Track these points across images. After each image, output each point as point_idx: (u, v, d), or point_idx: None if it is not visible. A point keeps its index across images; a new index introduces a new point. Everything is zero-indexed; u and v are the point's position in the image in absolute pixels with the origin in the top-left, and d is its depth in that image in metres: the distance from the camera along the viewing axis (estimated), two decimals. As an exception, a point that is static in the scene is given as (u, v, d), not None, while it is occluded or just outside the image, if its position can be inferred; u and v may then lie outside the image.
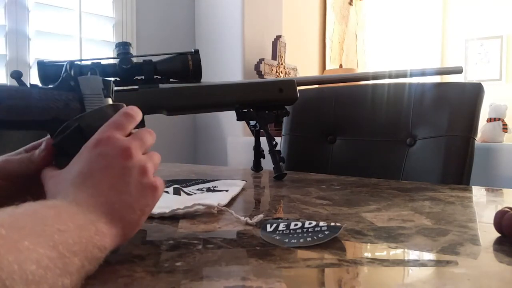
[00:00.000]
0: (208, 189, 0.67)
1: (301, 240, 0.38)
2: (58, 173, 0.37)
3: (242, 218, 0.47)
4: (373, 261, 0.34)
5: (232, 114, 0.90)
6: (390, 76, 1.01)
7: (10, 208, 0.28)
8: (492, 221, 0.42)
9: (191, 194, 0.62)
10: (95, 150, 0.35)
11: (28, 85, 0.42)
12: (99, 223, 0.31)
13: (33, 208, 0.29)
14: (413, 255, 0.37)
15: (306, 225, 0.42)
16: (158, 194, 0.37)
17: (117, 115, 0.39)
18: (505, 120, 2.14)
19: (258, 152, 0.99)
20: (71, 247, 0.27)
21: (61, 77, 0.41)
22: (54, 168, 0.38)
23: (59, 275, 0.25)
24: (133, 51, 0.84)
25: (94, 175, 0.34)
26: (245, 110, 0.88)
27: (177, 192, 0.61)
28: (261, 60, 2.10)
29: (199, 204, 0.50)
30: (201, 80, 0.85)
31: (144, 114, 0.67)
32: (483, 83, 1.01)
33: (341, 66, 3.07)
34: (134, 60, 0.80)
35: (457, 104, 0.99)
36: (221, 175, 0.94)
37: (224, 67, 2.15)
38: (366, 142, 1.10)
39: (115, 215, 0.33)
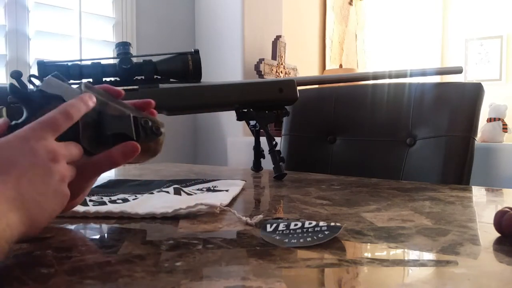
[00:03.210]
0: (208, 189, 0.67)
1: (301, 240, 0.38)
2: None
3: (244, 218, 0.47)
4: (373, 261, 0.34)
5: (232, 114, 0.90)
6: (390, 76, 1.01)
7: None
8: (492, 221, 0.42)
9: (191, 194, 0.62)
10: (27, 144, 0.35)
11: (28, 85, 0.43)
12: (10, 214, 0.31)
13: None
14: (413, 255, 0.37)
15: (306, 225, 0.42)
16: (64, 206, 0.38)
17: (56, 112, 0.38)
18: (505, 120, 2.14)
19: (258, 152, 0.99)
20: None
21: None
22: None
23: None
24: (133, 51, 0.84)
25: (19, 165, 0.34)
26: (245, 110, 0.88)
27: (177, 192, 0.61)
28: (261, 60, 2.10)
29: (201, 204, 0.50)
30: (201, 80, 0.85)
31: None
32: (483, 83, 1.01)
33: (341, 66, 3.07)
34: (134, 60, 0.80)
35: (457, 104, 0.99)
36: (221, 175, 0.94)
37: (224, 67, 2.15)
38: (366, 142, 1.10)
39: (26, 212, 0.33)
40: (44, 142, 0.36)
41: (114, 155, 0.42)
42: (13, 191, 0.33)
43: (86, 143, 0.41)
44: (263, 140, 0.93)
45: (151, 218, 0.49)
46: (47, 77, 0.42)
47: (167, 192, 0.61)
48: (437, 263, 0.35)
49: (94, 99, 0.42)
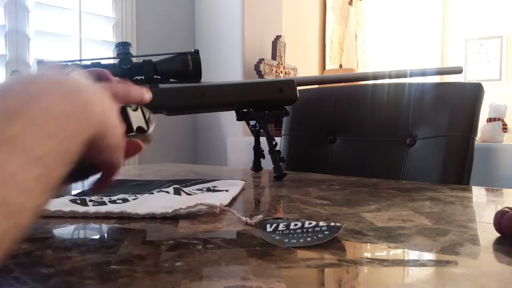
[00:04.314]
0: (208, 189, 0.67)
1: (301, 240, 0.38)
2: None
3: (244, 218, 0.47)
4: (373, 261, 0.34)
5: (232, 114, 0.90)
6: (390, 76, 1.01)
7: None
8: (492, 221, 0.42)
9: (191, 194, 0.62)
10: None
11: None
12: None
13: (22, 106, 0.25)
14: (413, 255, 0.37)
15: (306, 225, 0.42)
16: (119, 150, 0.37)
17: (119, 84, 0.40)
18: (505, 120, 2.14)
19: (258, 152, 0.99)
20: (59, 156, 0.25)
21: None
22: None
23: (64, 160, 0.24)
24: (133, 51, 0.84)
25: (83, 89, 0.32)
26: (245, 110, 0.88)
27: (177, 192, 0.61)
28: (261, 60, 2.10)
29: (201, 204, 0.50)
30: (201, 80, 0.85)
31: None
32: (483, 83, 1.01)
33: (341, 66, 3.07)
34: (134, 60, 0.80)
35: (457, 104, 0.99)
36: (221, 175, 0.94)
37: (224, 67, 2.15)
38: (366, 142, 1.10)
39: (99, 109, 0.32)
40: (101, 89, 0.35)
41: (135, 142, 0.43)
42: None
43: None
44: (263, 140, 0.93)
45: (151, 218, 0.49)
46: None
47: (167, 192, 0.61)
48: (437, 263, 0.35)
49: (151, 95, 0.44)
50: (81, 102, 0.29)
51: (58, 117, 0.26)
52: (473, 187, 0.79)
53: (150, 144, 0.48)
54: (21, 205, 0.21)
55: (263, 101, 0.88)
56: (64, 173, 0.26)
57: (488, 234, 0.42)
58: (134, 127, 0.44)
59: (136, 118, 0.45)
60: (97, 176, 0.41)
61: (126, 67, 0.79)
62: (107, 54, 1.92)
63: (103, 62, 0.80)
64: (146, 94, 0.43)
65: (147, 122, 0.46)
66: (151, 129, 0.47)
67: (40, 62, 0.77)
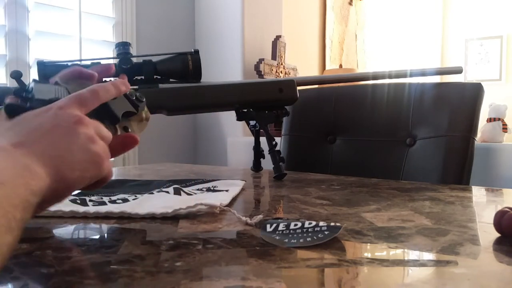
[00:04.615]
0: (208, 189, 0.67)
1: (301, 240, 0.38)
2: (7, 121, 0.37)
3: (244, 218, 0.47)
4: (373, 261, 0.34)
5: (232, 114, 0.90)
6: (390, 76, 1.01)
7: None
8: (492, 221, 0.42)
9: (191, 194, 0.62)
10: (49, 111, 0.36)
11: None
12: (34, 165, 0.31)
13: None
14: (413, 255, 0.37)
15: (306, 225, 0.42)
16: (104, 165, 0.38)
17: (85, 90, 0.40)
18: (505, 120, 2.14)
19: (258, 152, 0.99)
20: (12, 200, 0.27)
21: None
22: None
23: (4, 233, 0.25)
24: (133, 51, 0.84)
25: (40, 130, 0.35)
26: (245, 110, 0.88)
27: (177, 192, 0.61)
28: (261, 60, 2.10)
29: (201, 204, 0.50)
30: (201, 80, 0.85)
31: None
32: (483, 83, 1.01)
33: (341, 66, 3.07)
34: (134, 60, 0.80)
35: (457, 104, 0.99)
36: (221, 175, 0.94)
37: (224, 67, 2.15)
38: (366, 142, 1.10)
39: (52, 165, 0.33)
40: (68, 109, 0.37)
41: (130, 136, 0.45)
42: (35, 150, 0.33)
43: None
44: (263, 140, 0.93)
45: (151, 218, 0.49)
46: (33, 85, 0.42)
47: (167, 192, 0.61)
48: (437, 263, 0.35)
49: (128, 85, 0.45)
50: (19, 165, 0.30)
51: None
52: (473, 187, 0.79)
53: (150, 119, 0.49)
54: None
55: (263, 101, 0.88)
56: (23, 218, 0.27)
57: (488, 234, 0.42)
58: (119, 115, 0.45)
59: (118, 105, 0.45)
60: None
61: (126, 67, 0.79)
62: (107, 54, 1.92)
63: (103, 62, 0.80)
64: (119, 87, 0.44)
65: (133, 102, 0.47)
66: (142, 106, 0.48)
67: (40, 62, 0.77)
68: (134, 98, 0.48)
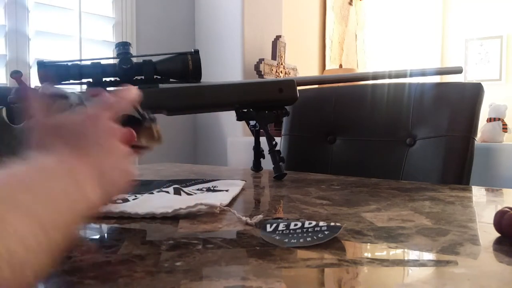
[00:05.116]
0: (208, 189, 0.67)
1: (301, 240, 0.38)
2: (48, 123, 0.37)
3: (244, 218, 0.47)
4: (373, 261, 0.34)
5: (232, 114, 0.90)
6: (390, 76, 1.01)
7: (3, 174, 0.27)
8: (492, 221, 0.42)
9: (191, 194, 0.62)
10: (89, 120, 0.37)
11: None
12: (86, 185, 0.31)
13: (25, 171, 0.28)
14: (413, 255, 0.37)
15: (306, 225, 0.42)
16: (129, 183, 0.39)
17: (112, 96, 0.42)
18: (505, 120, 2.14)
19: (258, 152, 0.99)
20: (56, 222, 0.27)
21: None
22: (45, 117, 0.38)
23: (42, 255, 0.25)
24: (133, 51, 0.84)
25: (88, 139, 0.35)
26: (245, 110, 0.88)
27: (177, 192, 0.61)
28: (261, 60, 2.10)
29: (201, 204, 0.50)
30: (201, 80, 0.85)
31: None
32: (483, 83, 1.01)
33: (341, 66, 3.07)
34: (134, 60, 0.80)
35: (457, 104, 0.99)
36: (221, 175, 0.94)
37: (224, 67, 2.15)
38: (366, 142, 1.10)
39: (103, 187, 0.33)
40: (112, 123, 0.38)
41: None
42: (95, 169, 0.33)
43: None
44: (263, 140, 0.93)
45: (151, 218, 0.49)
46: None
47: (167, 192, 0.61)
48: (437, 263, 0.35)
49: (139, 93, 0.46)
50: (76, 184, 0.31)
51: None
52: (473, 187, 0.79)
53: (162, 141, 0.51)
54: (22, 258, 0.23)
55: (263, 101, 0.88)
56: (65, 244, 0.27)
57: (488, 234, 0.42)
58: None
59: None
60: None
61: (126, 67, 0.79)
62: (107, 54, 1.92)
63: (103, 62, 0.80)
64: (134, 92, 0.45)
65: (142, 114, 0.48)
66: (149, 121, 0.49)
67: (40, 62, 0.77)
68: (142, 111, 0.49)
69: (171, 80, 0.84)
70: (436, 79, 2.61)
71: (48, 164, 0.31)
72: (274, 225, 0.43)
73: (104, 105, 0.40)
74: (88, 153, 0.34)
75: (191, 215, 0.50)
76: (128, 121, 0.46)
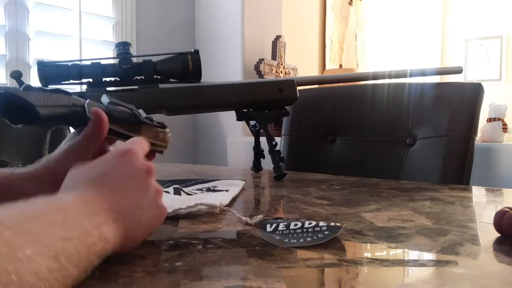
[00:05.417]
0: (208, 189, 0.67)
1: (301, 240, 0.38)
2: (81, 167, 0.36)
3: (244, 218, 0.47)
4: (373, 261, 0.34)
5: (232, 114, 0.90)
6: (390, 76, 1.01)
7: (21, 205, 0.27)
8: (492, 221, 0.42)
9: (191, 194, 0.62)
10: (122, 158, 0.36)
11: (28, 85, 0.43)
12: (104, 226, 0.31)
13: (42, 210, 0.28)
14: (413, 255, 0.37)
15: (306, 225, 0.42)
16: (162, 220, 0.38)
17: (138, 140, 0.41)
18: (505, 120, 2.14)
19: (258, 152, 0.99)
20: (72, 258, 0.27)
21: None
22: (83, 163, 0.38)
23: (54, 282, 0.25)
24: (133, 51, 0.84)
25: (117, 177, 0.35)
26: (245, 110, 0.88)
27: (177, 192, 0.61)
28: (261, 60, 2.10)
29: (201, 204, 0.50)
30: (201, 80, 0.85)
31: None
32: (483, 83, 1.01)
33: (341, 66, 3.07)
34: (134, 60, 0.80)
35: (457, 104, 0.99)
36: (221, 175, 0.94)
37: (224, 67, 2.15)
38: (366, 142, 1.10)
39: (123, 224, 0.33)
40: (139, 158, 0.37)
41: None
42: (109, 203, 0.32)
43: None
44: (263, 140, 0.93)
45: (151, 218, 0.48)
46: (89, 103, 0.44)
47: (167, 192, 0.61)
48: (437, 263, 0.35)
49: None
50: (91, 222, 0.30)
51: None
52: (473, 187, 0.79)
53: (165, 144, 0.52)
54: (31, 282, 0.23)
55: (263, 101, 0.88)
56: (78, 276, 0.27)
57: (488, 234, 0.42)
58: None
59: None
60: None
61: (126, 67, 0.79)
62: (107, 54, 1.92)
63: (103, 62, 0.80)
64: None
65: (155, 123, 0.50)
66: (157, 128, 0.51)
67: (40, 62, 0.77)
68: (147, 115, 0.50)
69: (171, 80, 0.84)
70: (436, 79, 2.61)
71: (67, 202, 0.31)
72: (274, 225, 0.43)
73: (138, 144, 0.40)
74: (113, 193, 0.33)
75: (191, 215, 0.50)
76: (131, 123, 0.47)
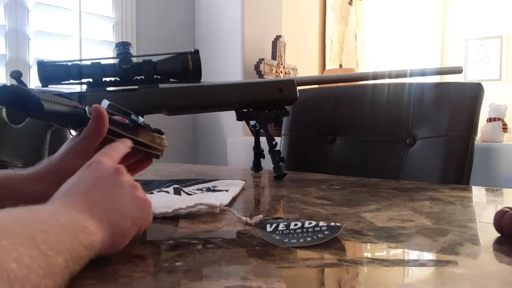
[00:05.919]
0: (208, 189, 0.67)
1: (301, 240, 0.38)
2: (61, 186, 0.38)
3: (244, 218, 0.47)
4: (373, 261, 0.34)
5: (232, 114, 0.90)
6: (390, 76, 1.01)
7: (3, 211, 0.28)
8: (492, 221, 0.42)
9: (191, 194, 0.62)
10: (88, 168, 0.38)
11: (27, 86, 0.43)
12: (85, 220, 0.31)
13: (14, 213, 0.28)
14: (413, 255, 0.37)
15: (306, 225, 0.42)
16: (150, 210, 0.39)
17: (109, 146, 0.43)
18: (505, 120, 2.14)
19: (258, 152, 0.99)
20: (54, 246, 0.26)
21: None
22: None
23: (42, 275, 0.24)
24: (133, 51, 0.84)
25: (86, 183, 0.36)
26: (245, 110, 0.88)
27: (177, 192, 0.61)
28: (261, 60, 2.10)
29: (201, 204, 0.50)
30: (201, 80, 0.85)
31: (144, 114, 0.70)
32: (483, 83, 1.01)
33: (341, 66, 3.07)
34: (134, 60, 0.80)
35: (457, 104, 0.99)
36: (221, 175, 0.94)
37: (224, 67, 2.15)
38: (366, 142, 1.10)
39: (104, 218, 0.33)
40: (106, 164, 0.38)
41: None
42: (85, 203, 0.33)
43: None
44: (263, 140, 0.93)
45: (151, 218, 0.48)
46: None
47: (167, 192, 0.61)
48: (437, 263, 0.35)
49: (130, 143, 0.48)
50: (71, 220, 0.31)
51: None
52: (473, 187, 0.79)
53: (163, 152, 0.55)
54: (21, 275, 0.23)
55: (263, 101, 0.88)
56: (68, 266, 0.28)
57: (488, 234, 0.42)
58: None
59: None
60: None
61: (126, 67, 0.79)
62: (107, 54, 1.92)
63: (103, 62, 0.80)
64: (128, 143, 0.47)
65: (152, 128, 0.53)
66: (152, 133, 0.53)
67: (40, 62, 0.77)
68: (144, 122, 0.51)
69: (171, 80, 0.84)
70: (436, 79, 2.61)
71: (43, 208, 0.31)
72: (274, 225, 0.43)
73: (104, 153, 0.41)
74: (86, 195, 0.35)
75: (191, 215, 0.50)
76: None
